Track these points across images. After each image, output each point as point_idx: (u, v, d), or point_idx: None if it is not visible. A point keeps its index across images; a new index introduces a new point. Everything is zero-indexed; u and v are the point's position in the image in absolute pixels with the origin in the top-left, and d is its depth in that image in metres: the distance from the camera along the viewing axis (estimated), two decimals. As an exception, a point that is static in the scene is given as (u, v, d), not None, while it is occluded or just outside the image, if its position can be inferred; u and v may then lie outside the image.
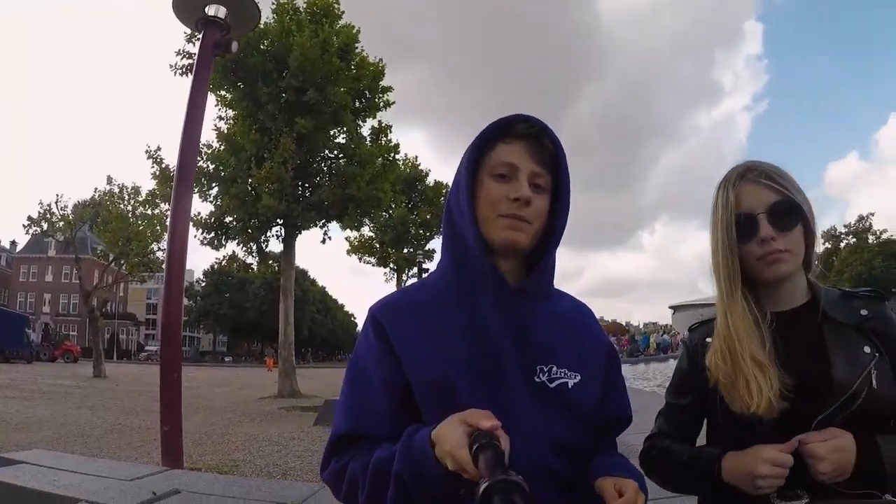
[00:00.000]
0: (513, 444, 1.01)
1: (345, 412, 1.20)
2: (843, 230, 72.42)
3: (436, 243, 34.51)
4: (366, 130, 16.69)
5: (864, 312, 1.29)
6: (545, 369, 1.19)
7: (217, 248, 15.80)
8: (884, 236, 68.73)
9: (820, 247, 1.38)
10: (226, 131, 15.12)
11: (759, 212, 1.27)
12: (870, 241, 68.79)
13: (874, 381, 1.22)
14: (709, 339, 1.36)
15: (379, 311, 1.21)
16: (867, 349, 1.26)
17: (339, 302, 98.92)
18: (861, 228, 70.59)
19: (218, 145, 14.98)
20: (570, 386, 1.20)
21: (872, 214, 70.42)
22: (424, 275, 27.47)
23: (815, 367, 1.26)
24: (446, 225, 1.26)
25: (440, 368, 1.14)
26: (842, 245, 71.37)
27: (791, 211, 1.27)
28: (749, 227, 1.28)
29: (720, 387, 1.29)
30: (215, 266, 66.88)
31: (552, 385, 1.18)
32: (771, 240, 1.26)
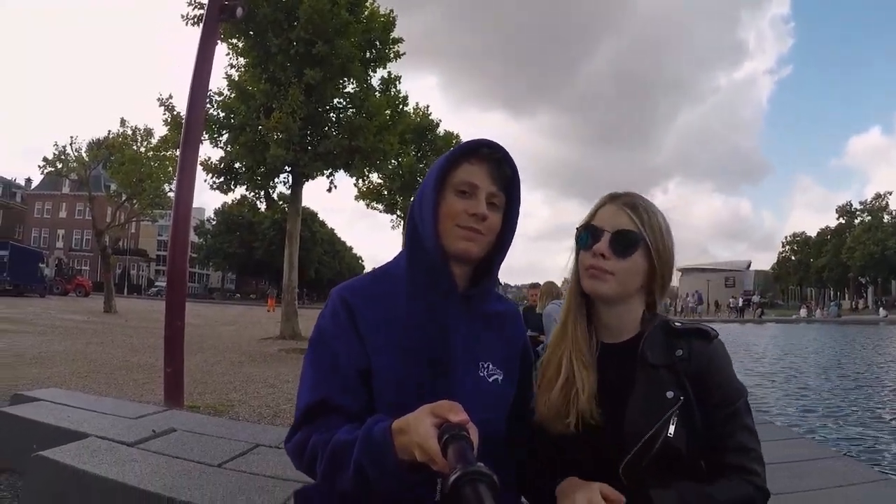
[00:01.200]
0: None
1: (313, 384, 1.27)
2: (859, 207, 71.00)
3: None
4: (375, 81, 16.66)
5: (679, 353, 1.30)
6: (485, 365, 1.35)
7: (226, 192, 15.98)
8: (901, 217, 67.16)
9: (665, 285, 1.39)
10: (237, 79, 15.16)
11: (606, 230, 1.32)
12: (885, 220, 67.38)
13: (671, 430, 1.24)
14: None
15: (349, 296, 1.32)
16: (670, 394, 1.27)
17: (348, 244, 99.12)
18: (877, 207, 69.09)
19: (229, 93, 15.03)
20: (500, 381, 1.36)
21: (890, 193, 69.00)
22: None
23: (617, 408, 1.29)
24: (409, 229, 1.38)
25: (398, 359, 1.26)
26: (856, 222, 70.16)
27: (632, 243, 1.31)
28: (592, 239, 1.34)
29: (538, 391, 1.40)
30: (225, 206, 67.28)
31: (490, 380, 1.34)
32: (602, 256, 1.31)
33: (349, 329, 1.29)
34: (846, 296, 78.72)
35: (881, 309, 52.99)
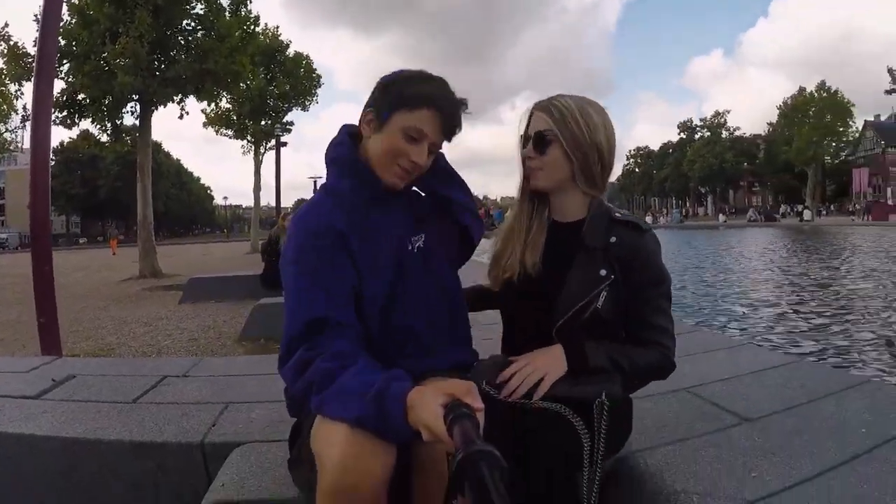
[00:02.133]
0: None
1: (307, 301, 1.34)
2: (699, 123, 76.85)
3: (294, 115, 32.89)
4: (224, 1, 15.84)
5: (612, 239, 1.51)
6: (413, 240, 1.54)
7: (70, 126, 14.77)
8: (736, 133, 73.98)
9: (605, 173, 1.58)
10: (77, 3, 13.77)
11: (530, 135, 1.56)
12: (723, 135, 73.62)
13: (600, 302, 1.48)
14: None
15: (332, 221, 1.42)
16: (603, 272, 1.49)
17: (195, 175, 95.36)
18: (716, 124, 75.30)
19: (69, 19, 13.64)
20: (422, 246, 1.55)
21: (728, 112, 75.75)
22: (283, 148, 26.25)
23: (557, 278, 1.53)
24: (340, 147, 1.52)
25: (375, 274, 1.44)
26: (696, 137, 76.13)
27: (544, 140, 1.53)
28: (525, 144, 1.58)
29: (493, 259, 1.66)
30: (65, 143, 61.29)
31: (415, 249, 1.53)
32: (529, 158, 1.56)
33: (331, 250, 1.39)
34: (687, 204, 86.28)
35: (720, 215, 59.16)
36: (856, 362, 5.09)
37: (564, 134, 1.52)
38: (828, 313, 7.45)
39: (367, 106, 1.48)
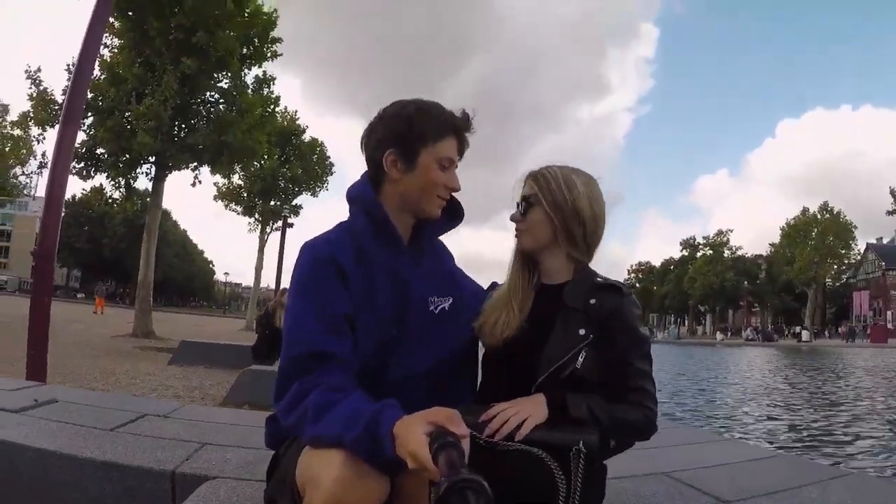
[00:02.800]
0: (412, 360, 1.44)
1: (304, 333, 1.35)
2: (702, 241, 77.72)
3: (303, 199, 33.24)
4: (249, 79, 16.49)
5: (592, 301, 1.56)
6: (433, 300, 1.55)
7: (85, 178, 15.06)
8: (738, 252, 74.58)
9: (588, 238, 1.63)
10: (109, 60, 14.35)
11: (518, 201, 1.66)
12: (725, 255, 74.23)
13: (579, 362, 1.51)
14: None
15: (338, 253, 1.41)
16: (582, 332, 1.53)
17: (199, 247, 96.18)
18: (718, 242, 76.18)
19: (99, 73, 14.12)
20: (447, 309, 1.57)
21: (731, 231, 76.87)
22: (289, 229, 26.32)
23: (539, 337, 1.56)
24: (364, 187, 1.52)
25: (371, 315, 1.42)
26: (698, 255, 76.89)
27: (527, 203, 1.63)
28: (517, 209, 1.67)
29: (481, 323, 1.64)
30: (77, 197, 62.30)
31: (437, 311, 1.55)
32: (516, 221, 1.65)
33: (335, 280, 1.39)
34: (686, 322, 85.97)
35: (718, 333, 59.01)
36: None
37: (546, 197, 1.61)
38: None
39: (381, 146, 1.49)
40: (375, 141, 1.51)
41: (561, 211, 1.60)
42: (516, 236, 1.67)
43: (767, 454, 2.91)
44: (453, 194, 1.55)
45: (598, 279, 1.63)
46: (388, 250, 1.49)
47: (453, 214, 1.62)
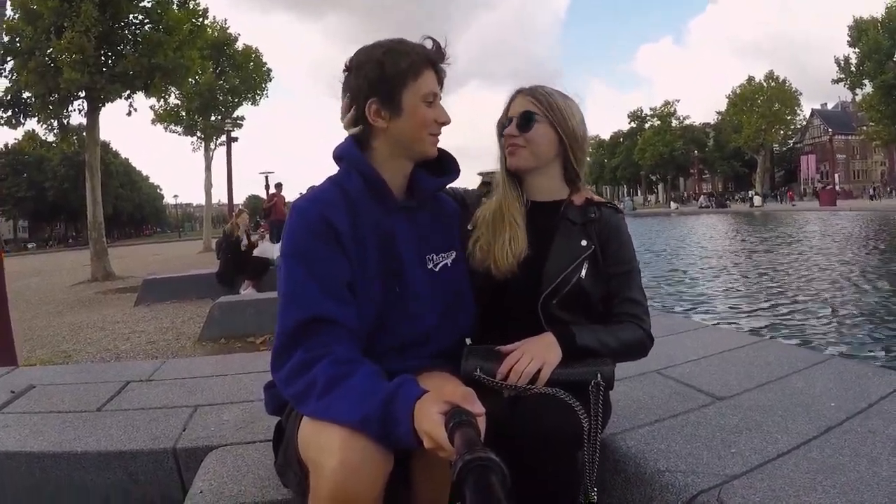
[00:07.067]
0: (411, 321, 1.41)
1: (302, 298, 1.29)
2: (649, 112, 78.14)
3: (244, 109, 32.14)
4: (173, -7, 15.35)
5: (592, 214, 1.62)
6: (430, 258, 1.51)
7: (15, 126, 14.34)
8: (686, 122, 75.32)
9: (582, 160, 1.67)
10: (20, -3, 13.21)
11: (513, 116, 1.63)
12: (673, 124, 75.01)
13: (583, 272, 1.57)
14: (484, 199, 1.71)
15: (331, 212, 1.36)
16: (584, 243, 1.59)
17: (144, 174, 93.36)
18: (666, 112, 76.56)
19: (12, 13, 13.05)
20: (448, 265, 1.54)
21: (678, 101, 77.08)
22: (234, 144, 25.56)
23: (539, 251, 1.60)
24: (350, 146, 1.45)
25: (365, 272, 1.37)
26: (646, 125, 77.43)
27: (531, 118, 1.60)
28: (506, 126, 1.64)
29: (477, 246, 1.61)
30: (9, 146, 59.16)
31: (438, 269, 1.51)
32: (511, 136, 1.62)
33: (332, 243, 1.34)
34: (639, 192, 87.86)
35: (671, 202, 60.52)
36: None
37: (550, 115, 1.61)
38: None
39: (359, 98, 1.42)
40: (351, 95, 1.43)
41: (562, 127, 1.62)
42: (509, 153, 1.64)
43: (748, 341, 3.00)
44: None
45: (595, 196, 1.68)
46: (380, 209, 1.45)
47: (448, 169, 1.57)
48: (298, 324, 1.27)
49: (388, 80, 1.39)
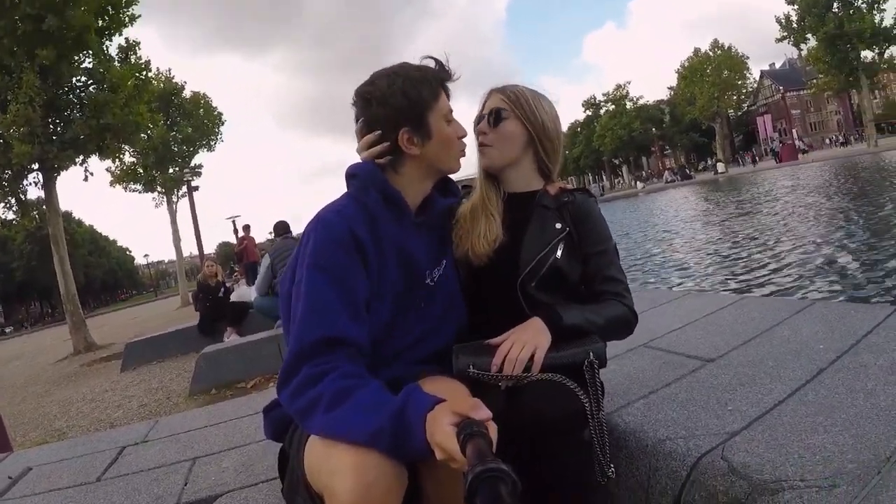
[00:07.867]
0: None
1: (318, 316, 1.28)
2: (602, 98, 79.12)
3: (201, 157, 31.78)
4: (113, 50, 15.10)
5: (566, 198, 1.68)
6: (433, 272, 1.54)
7: (-31, 209, 13.92)
8: (640, 102, 76.29)
9: (553, 153, 1.73)
10: (-42, 74, 12.90)
11: (485, 113, 1.70)
12: (628, 107, 76.01)
13: (558, 253, 1.62)
14: (464, 200, 1.73)
15: (354, 225, 1.36)
16: (558, 226, 1.64)
17: (111, 238, 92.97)
18: (619, 96, 77.56)
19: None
20: (450, 276, 1.60)
21: (629, 83, 78.14)
22: (196, 193, 25.28)
23: (516, 237, 1.64)
24: (369, 166, 1.46)
25: (385, 295, 1.40)
26: (602, 112, 78.38)
27: (499, 116, 1.67)
28: (479, 123, 1.70)
29: (458, 238, 1.65)
30: (-33, 230, 58.25)
31: (434, 284, 1.54)
32: (482, 133, 1.69)
33: (356, 258, 1.35)
34: (604, 177, 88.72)
35: (637, 182, 61.18)
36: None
37: (518, 111, 1.67)
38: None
39: (388, 129, 1.45)
40: (382, 126, 1.46)
41: (532, 123, 1.68)
42: (480, 153, 1.70)
43: (729, 301, 3.03)
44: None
45: (569, 186, 1.75)
46: (397, 225, 1.47)
47: (450, 190, 1.66)
48: (315, 340, 1.25)
49: (416, 107, 1.44)
